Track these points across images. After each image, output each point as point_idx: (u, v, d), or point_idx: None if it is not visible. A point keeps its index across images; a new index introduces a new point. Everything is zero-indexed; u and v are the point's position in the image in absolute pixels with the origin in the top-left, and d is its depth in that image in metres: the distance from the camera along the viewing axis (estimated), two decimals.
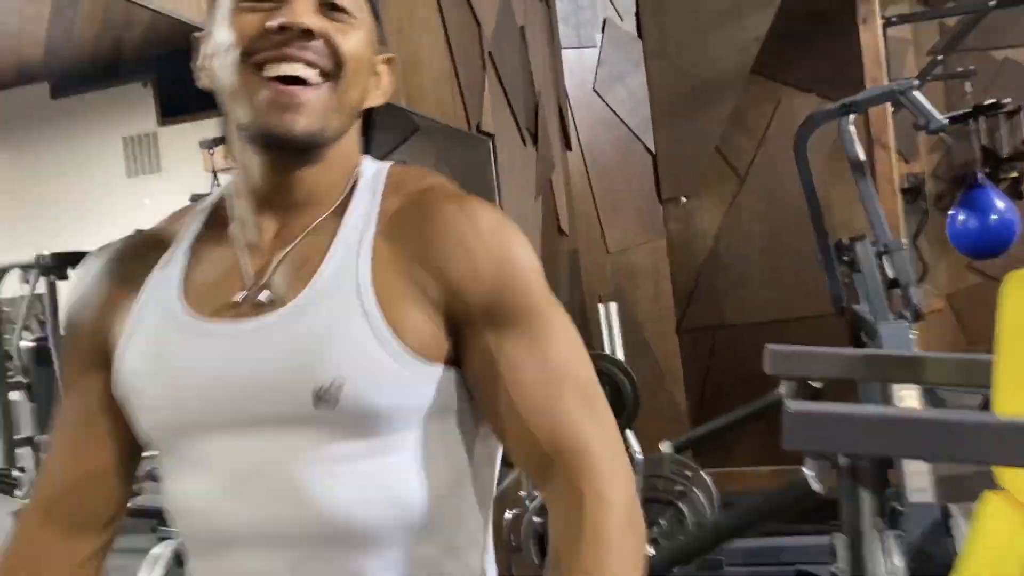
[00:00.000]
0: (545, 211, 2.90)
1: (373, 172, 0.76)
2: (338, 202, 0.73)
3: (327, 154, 0.72)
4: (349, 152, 0.76)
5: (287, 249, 0.72)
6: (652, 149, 3.40)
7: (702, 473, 2.54)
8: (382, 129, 2.24)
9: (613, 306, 1.80)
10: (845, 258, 2.46)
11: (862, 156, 2.53)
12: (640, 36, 3.42)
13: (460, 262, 0.68)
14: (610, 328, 1.81)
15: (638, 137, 3.39)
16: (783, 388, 1.48)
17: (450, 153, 2.41)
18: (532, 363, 0.68)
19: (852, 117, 2.53)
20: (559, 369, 0.68)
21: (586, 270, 3.28)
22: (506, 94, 2.61)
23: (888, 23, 3.34)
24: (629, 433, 1.82)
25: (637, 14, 3.42)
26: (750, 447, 3.34)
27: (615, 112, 3.37)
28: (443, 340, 0.69)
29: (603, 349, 1.96)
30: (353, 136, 0.76)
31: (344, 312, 0.68)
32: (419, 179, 0.75)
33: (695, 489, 2.51)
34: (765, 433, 3.32)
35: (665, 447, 1.90)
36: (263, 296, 0.71)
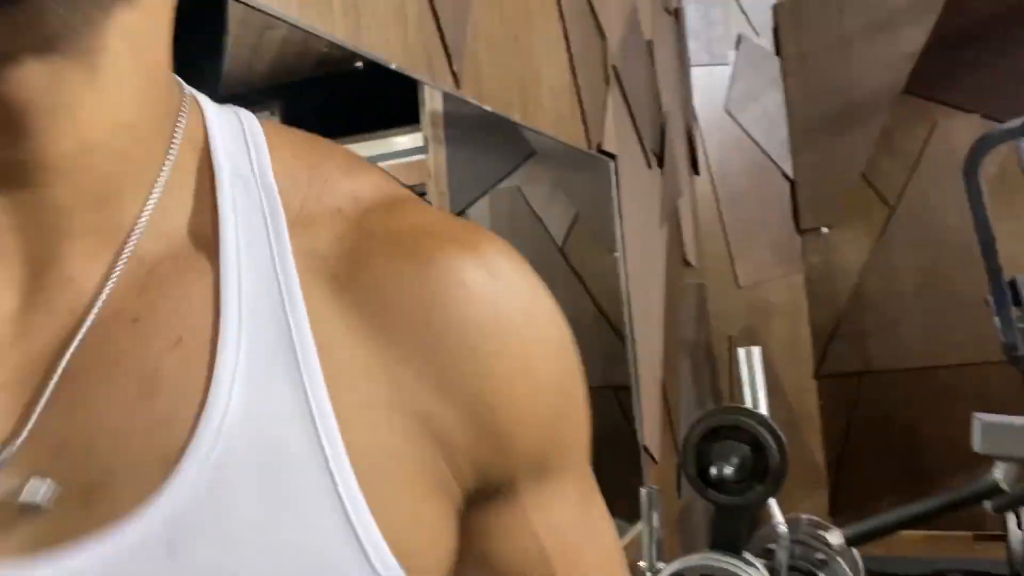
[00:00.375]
0: (670, 240, 2.65)
1: (228, 131, 0.39)
2: (163, 190, 0.35)
3: (92, 39, 0.31)
4: (154, 55, 0.35)
5: (77, 335, 0.32)
6: (790, 175, 3.10)
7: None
8: (494, 151, 2.05)
9: (756, 351, 1.54)
10: None
11: None
12: (778, 52, 3.14)
13: (516, 387, 0.37)
14: (752, 377, 1.55)
15: (774, 161, 3.10)
16: (999, 472, 1.18)
17: (567, 176, 2.20)
18: (585, 535, 0.41)
19: None
20: (607, 539, 0.42)
21: (714, 306, 3.01)
22: (631, 112, 2.39)
23: None
24: (772, 502, 1.54)
25: (775, 29, 3.15)
26: (894, 507, 2.97)
27: (749, 134, 3.10)
28: (455, 535, 0.37)
29: (741, 400, 1.70)
30: (165, 16, 0.36)
31: (299, 524, 0.31)
32: (345, 170, 0.40)
33: (838, 558, 2.20)
34: (912, 489, 2.96)
35: (835, 537, 1.60)
36: (32, 494, 0.29)
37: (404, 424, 0.34)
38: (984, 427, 1.15)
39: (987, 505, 1.35)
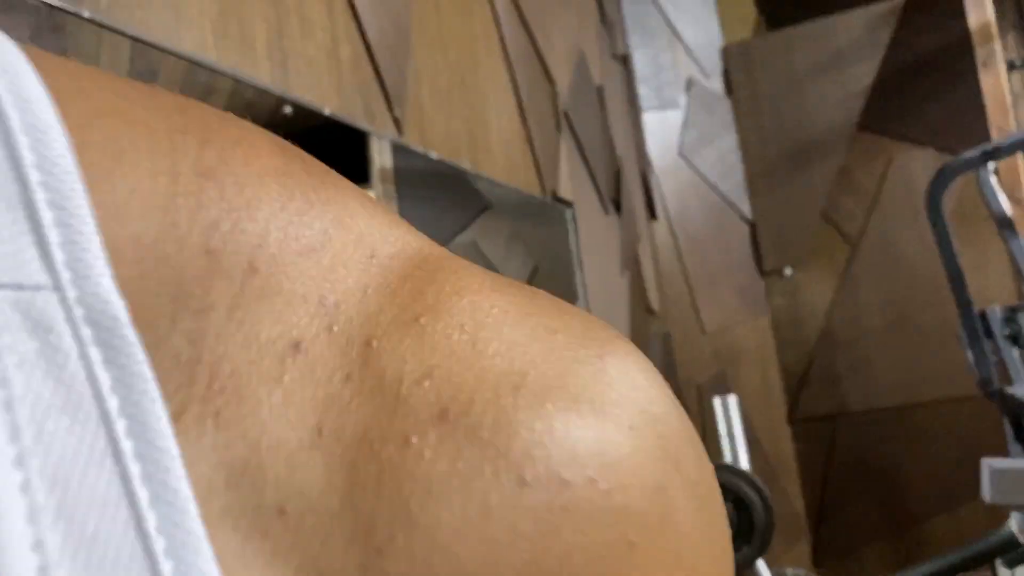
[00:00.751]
0: (632, 288, 2.56)
1: None
2: None
3: None
4: None
5: None
6: (749, 216, 3.05)
7: None
8: (447, 206, 1.96)
9: (732, 400, 1.44)
10: (1007, 332, 2.04)
11: (1009, 211, 2.14)
12: (729, 94, 3.11)
13: None
14: (730, 428, 1.45)
15: (732, 204, 3.05)
16: (1015, 523, 1.07)
17: (524, 228, 2.11)
18: None
19: (993, 166, 2.16)
20: None
21: (680, 354, 2.91)
22: (585, 158, 2.32)
23: (1012, 67, 2.96)
24: (760, 564, 1.43)
25: (725, 71, 3.12)
26: (879, 552, 2.86)
27: (705, 178, 3.05)
28: None
29: (717, 454, 1.59)
30: None
31: None
32: (289, 223, 0.18)
33: None
34: (895, 533, 2.86)
35: None
36: None
37: None
38: (995, 474, 1.03)
39: (1000, 563, 1.23)
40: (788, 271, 3.00)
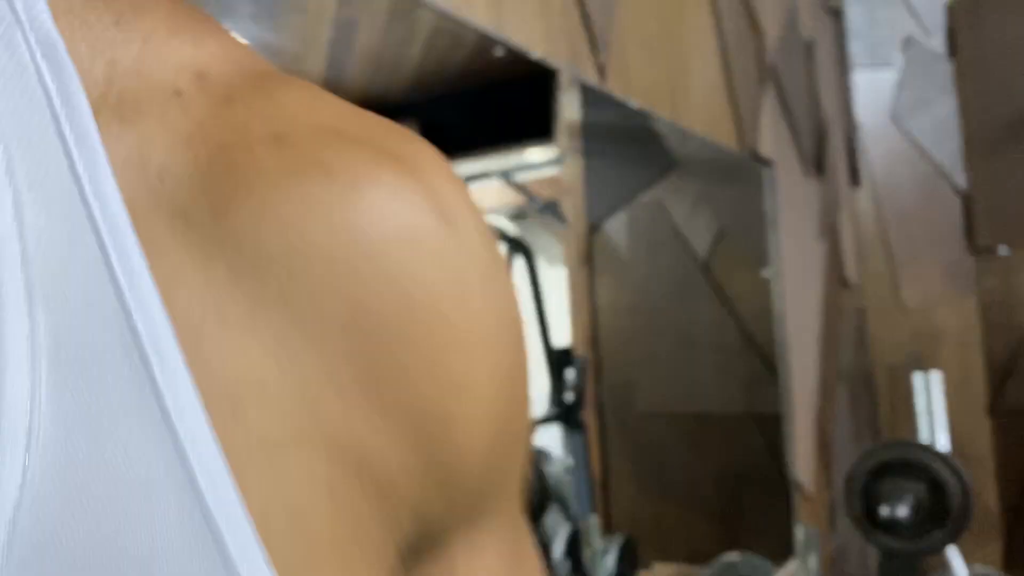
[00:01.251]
0: (828, 258, 2.44)
1: None
2: None
3: None
4: None
5: None
6: (963, 189, 2.82)
7: None
8: (634, 163, 1.93)
9: (935, 377, 1.35)
10: None
11: None
12: (952, 55, 2.87)
13: (475, 393, 0.23)
14: (930, 407, 1.35)
15: (945, 174, 2.83)
16: None
17: (712, 189, 2.05)
18: None
19: None
20: None
21: (875, 332, 2.76)
22: (788, 115, 2.21)
23: None
24: (952, 550, 1.34)
25: (949, 30, 2.88)
26: None
27: (917, 144, 2.84)
28: None
29: (907, 434, 1.49)
30: None
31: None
32: (175, 27, 0.24)
33: None
34: None
35: None
36: None
37: (321, 467, 0.20)
38: None
39: None
40: (1003, 250, 2.76)
